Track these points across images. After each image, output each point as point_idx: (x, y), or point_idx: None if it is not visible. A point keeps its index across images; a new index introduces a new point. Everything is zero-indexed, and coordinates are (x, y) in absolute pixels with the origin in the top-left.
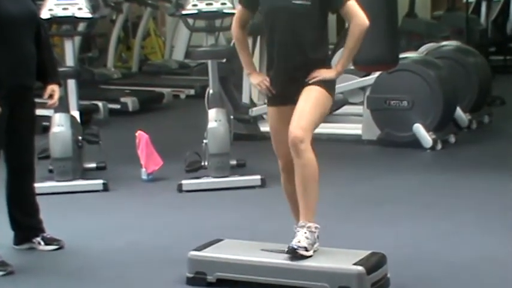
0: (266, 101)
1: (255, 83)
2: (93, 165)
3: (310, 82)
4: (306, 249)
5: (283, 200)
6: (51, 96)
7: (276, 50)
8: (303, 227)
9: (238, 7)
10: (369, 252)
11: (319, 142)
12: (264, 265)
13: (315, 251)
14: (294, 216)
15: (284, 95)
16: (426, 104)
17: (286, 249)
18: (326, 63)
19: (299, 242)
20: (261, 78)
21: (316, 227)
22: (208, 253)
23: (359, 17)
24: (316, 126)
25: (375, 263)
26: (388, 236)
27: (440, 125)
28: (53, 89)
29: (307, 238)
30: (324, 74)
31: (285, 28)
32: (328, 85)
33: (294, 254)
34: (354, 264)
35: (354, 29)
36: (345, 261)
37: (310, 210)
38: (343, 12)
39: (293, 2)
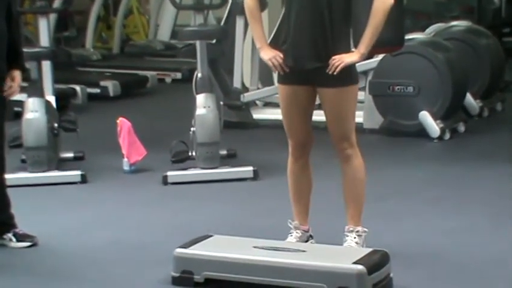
0: (277, 78)
1: (266, 59)
2: (70, 155)
3: (330, 72)
4: None
5: (277, 194)
6: (11, 84)
7: (293, 18)
8: (351, 231)
9: None
10: (370, 249)
11: (317, 131)
12: (256, 264)
13: None
14: (294, 206)
15: (299, 73)
16: (433, 90)
17: None
18: (347, 39)
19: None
20: (273, 54)
21: (364, 231)
22: (195, 250)
23: None
24: (354, 124)
25: (376, 261)
26: (391, 233)
27: (448, 113)
28: (15, 75)
29: (357, 243)
30: (346, 58)
31: (304, 6)
32: (347, 76)
33: None
34: (354, 263)
35: (378, 5)
36: (344, 259)
37: (358, 214)
38: None
39: None
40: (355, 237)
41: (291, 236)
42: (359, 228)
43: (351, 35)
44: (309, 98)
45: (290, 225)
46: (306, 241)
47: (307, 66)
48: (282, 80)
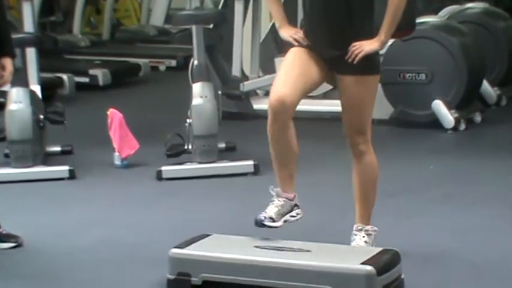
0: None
1: (286, 36)
2: (57, 148)
3: (350, 61)
4: None
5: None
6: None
7: (308, 3)
8: (360, 230)
9: None
10: (380, 249)
11: (322, 122)
12: (257, 264)
13: None
14: (276, 172)
15: (318, 48)
16: (447, 77)
17: None
18: (368, 25)
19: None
20: (292, 31)
21: (374, 230)
22: (192, 251)
23: None
24: (371, 119)
25: (386, 262)
26: (403, 231)
27: (463, 102)
28: (5, 62)
29: (366, 243)
30: (366, 46)
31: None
32: (369, 64)
33: None
34: (362, 263)
35: None
36: (351, 259)
37: (368, 213)
38: None
39: None
40: (364, 236)
41: (272, 204)
42: (368, 227)
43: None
44: (322, 70)
45: (272, 192)
46: (290, 211)
47: (324, 55)
48: (300, 45)
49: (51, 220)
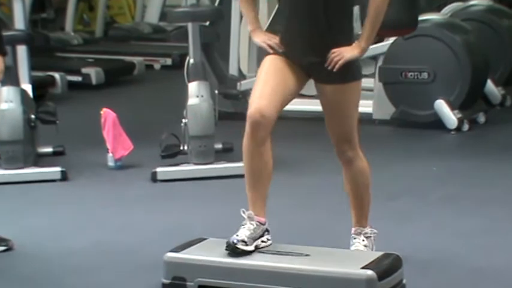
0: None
1: (259, 41)
2: (49, 149)
3: (329, 68)
4: None
5: (278, 192)
6: None
7: (287, 8)
8: (359, 234)
9: None
10: (381, 253)
11: (321, 122)
12: (255, 269)
13: None
14: (248, 192)
15: (295, 55)
16: (450, 76)
17: None
18: (347, 31)
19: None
20: (266, 37)
21: (373, 232)
22: (188, 255)
23: None
24: (357, 125)
25: (388, 266)
26: (404, 235)
27: (467, 102)
28: None
29: (365, 246)
30: (346, 53)
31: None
32: (349, 72)
33: None
34: (363, 267)
35: None
36: (352, 264)
37: (365, 216)
38: None
39: None
40: (363, 240)
41: (244, 227)
42: (367, 230)
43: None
44: (299, 78)
45: (243, 215)
46: (261, 236)
47: (302, 62)
48: (275, 53)
49: (42, 223)
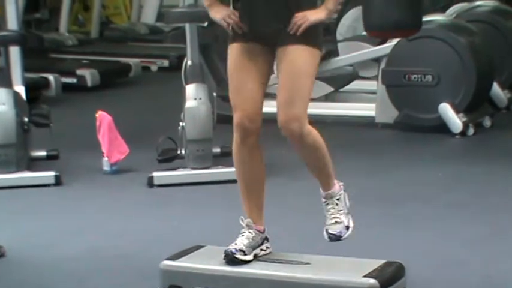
0: (229, 39)
1: (218, 18)
2: (43, 153)
3: (292, 32)
4: (347, 227)
5: (278, 197)
6: None
7: None
8: (331, 197)
9: None
10: (384, 261)
11: (323, 126)
12: (254, 278)
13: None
14: (244, 201)
15: (257, 32)
16: (455, 79)
17: (327, 237)
18: (315, 2)
19: (336, 223)
20: (226, 12)
21: (340, 185)
22: (185, 263)
23: None
24: (309, 100)
25: (390, 275)
26: (408, 242)
27: (472, 105)
28: None
29: (340, 211)
30: (311, 16)
31: None
32: (312, 35)
33: (338, 240)
34: (365, 276)
35: None
36: (353, 272)
37: (329, 178)
38: None
39: None
40: (337, 204)
41: (242, 236)
42: (335, 189)
43: None
44: (266, 59)
45: (242, 223)
46: (260, 244)
47: (264, 30)
48: (235, 39)
49: (35, 228)
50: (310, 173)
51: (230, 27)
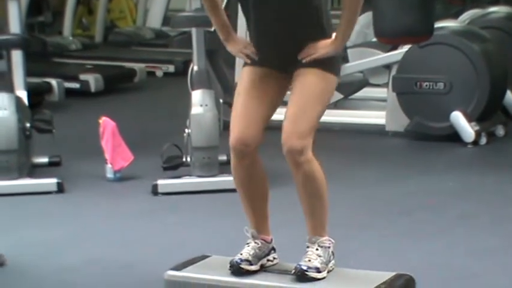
0: (244, 63)
1: (235, 52)
2: (45, 160)
3: (304, 62)
4: (318, 271)
5: (285, 206)
6: None
7: (253, 26)
8: (313, 243)
9: None
10: (394, 273)
11: (331, 134)
12: None
13: (329, 271)
14: (247, 214)
15: (271, 61)
16: (468, 87)
17: (293, 271)
18: (327, 32)
19: (309, 261)
20: (241, 45)
21: (330, 241)
22: (190, 273)
23: None
24: (317, 125)
25: (400, 287)
26: (418, 254)
27: (485, 114)
28: None
29: (319, 256)
30: (320, 49)
31: (266, 4)
32: (328, 61)
33: (302, 277)
34: None
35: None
36: (363, 285)
37: (320, 224)
38: None
39: None
40: (317, 249)
41: (248, 246)
42: (324, 239)
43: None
44: (279, 86)
45: (247, 234)
46: (267, 254)
47: (280, 67)
48: (250, 62)
49: (37, 237)
50: (303, 210)
51: (248, 59)
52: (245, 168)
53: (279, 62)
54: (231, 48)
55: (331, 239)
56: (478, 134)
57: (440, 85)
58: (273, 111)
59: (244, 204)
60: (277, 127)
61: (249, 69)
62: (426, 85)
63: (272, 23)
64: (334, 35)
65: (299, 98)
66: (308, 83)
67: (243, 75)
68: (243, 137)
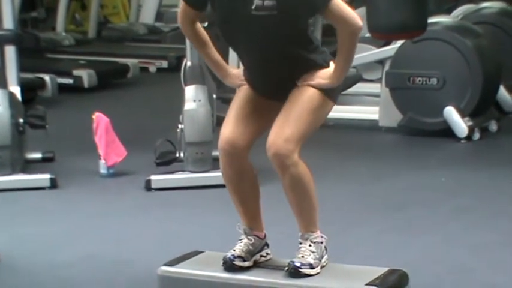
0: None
1: (235, 86)
2: (38, 155)
3: (299, 82)
4: (312, 267)
5: (279, 201)
6: None
7: (245, 59)
8: (306, 239)
9: (181, 1)
10: (387, 269)
11: (325, 129)
12: (254, 285)
13: (323, 267)
14: (239, 213)
15: (266, 93)
16: (461, 82)
17: (286, 267)
18: (319, 63)
19: (302, 257)
20: (238, 80)
21: (322, 237)
22: (183, 269)
23: (348, 20)
24: (306, 137)
25: (394, 283)
26: (412, 249)
27: (478, 109)
28: None
29: (312, 252)
30: (319, 79)
31: (251, 45)
32: (330, 89)
33: (296, 273)
34: (368, 284)
35: (343, 36)
36: (356, 280)
37: (311, 221)
38: (326, 16)
39: (253, 13)
40: (310, 245)
41: (241, 242)
42: (316, 235)
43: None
44: (272, 112)
45: (239, 230)
46: (260, 250)
47: (275, 93)
48: (248, 84)
49: (30, 233)
50: (292, 209)
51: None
52: (234, 170)
53: (274, 94)
54: (230, 83)
55: (323, 235)
56: (471, 130)
57: (434, 80)
58: (264, 129)
59: (234, 202)
60: None
61: (244, 89)
62: (419, 80)
63: (262, 63)
64: (332, 65)
65: (290, 106)
66: (302, 96)
67: (238, 94)
68: (229, 138)
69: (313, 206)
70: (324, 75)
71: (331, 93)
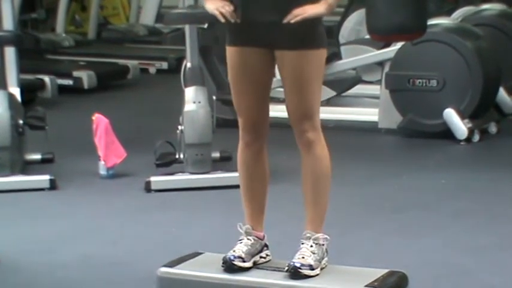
0: (226, 40)
1: (212, 8)
2: (38, 156)
3: (291, 21)
4: (312, 268)
5: (278, 203)
6: None
7: None
8: (308, 238)
9: None
10: (386, 270)
11: (324, 131)
12: (253, 286)
13: (322, 269)
14: (245, 205)
15: (252, 30)
16: (461, 84)
17: (286, 268)
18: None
19: (303, 258)
20: (220, 3)
21: (325, 239)
22: (182, 270)
23: None
24: (320, 99)
25: (393, 285)
26: (411, 251)
27: (478, 111)
28: None
29: (313, 253)
30: (309, 9)
31: None
32: (310, 37)
33: (296, 274)
34: (367, 285)
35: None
36: (355, 282)
37: (319, 218)
38: None
39: None
40: (311, 246)
41: (241, 242)
42: (319, 235)
43: None
44: (265, 65)
45: (240, 230)
46: (260, 251)
47: (260, 19)
48: (232, 40)
49: (29, 234)
50: (305, 202)
51: (223, 17)
52: (252, 152)
53: (259, 26)
54: (208, 6)
55: (326, 236)
56: (471, 131)
57: (433, 82)
58: (269, 89)
59: (243, 191)
60: (274, 125)
61: (232, 51)
62: (419, 82)
63: None
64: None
65: (295, 88)
66: (298, 70)
67: (229, 59)
68: (250, 120)
69: (326, 198)
70: (314, 6)
71: (318, 41)
